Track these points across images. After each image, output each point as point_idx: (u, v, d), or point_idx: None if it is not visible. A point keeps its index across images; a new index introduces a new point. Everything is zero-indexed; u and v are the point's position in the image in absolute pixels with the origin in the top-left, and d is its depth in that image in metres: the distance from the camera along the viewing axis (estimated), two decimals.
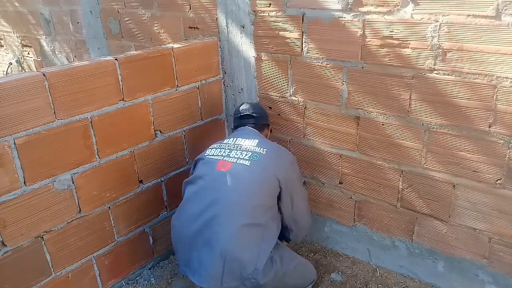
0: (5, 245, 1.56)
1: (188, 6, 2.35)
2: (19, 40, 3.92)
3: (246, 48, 2.16)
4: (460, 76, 1.57)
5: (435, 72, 1.62)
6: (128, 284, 2.05)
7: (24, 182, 1.56)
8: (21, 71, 4.09)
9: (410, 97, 1.71)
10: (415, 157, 1.79)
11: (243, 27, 2.12)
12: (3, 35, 4.13)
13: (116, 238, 1.95)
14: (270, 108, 2.19)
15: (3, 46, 4.24)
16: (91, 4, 2.93)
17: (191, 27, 2.38)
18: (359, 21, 1.73)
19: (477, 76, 1.53)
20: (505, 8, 1.40)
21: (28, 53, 3.91)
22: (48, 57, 3.65)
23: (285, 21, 1.96)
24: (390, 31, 1.66)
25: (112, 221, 1.91)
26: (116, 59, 1.78)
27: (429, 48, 1.60)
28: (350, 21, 1.75)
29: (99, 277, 1.91)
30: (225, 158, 1.72)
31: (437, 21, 1.54)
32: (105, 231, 1.89)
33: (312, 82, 1.98)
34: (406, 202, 1.89)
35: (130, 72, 1.83)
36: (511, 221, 1.63)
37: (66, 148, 1.66)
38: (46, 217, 1.65)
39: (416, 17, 1.59)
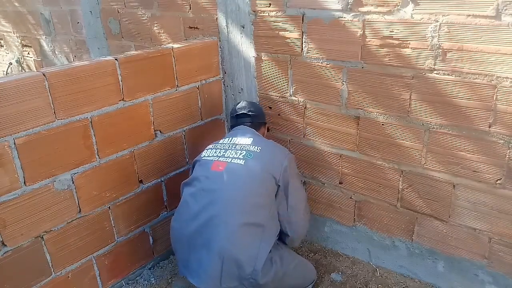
0: (5, 245, 1.56)
1: (188, 6, 2.35)
2: (19, 40, 3.92)
3: (246, 48, 2.16)
4: (460, 76, 1.57)
5: (435, 72, 1.62)
6: (128, 284, 2.05)
7: (24, 182, 1.56)
8: (21, 71, 4.09)
9: (410, 97, 1.71)
10: (415, 157, 1.79)
11: (243, 27, 2.12)
12: (3, 35, 4.13)
13: (116, 238, 1.95)
14: (270, 108, 2.19)
15: (3, 46, 4.24)
16: (91, 4, 2.94)
17: (191, 27, 2.38)
18: (359, 21, 1.73)
19: (477, 76, 1.53)
20: (505, 8, 1.40)
21: (28, 53, 3.91)
22: (48, 57, 3.65)
23: (285, 21, 1.96)
24: (390, 31, 1.66)
25: (112, 221, 1.91)
26: (116, 59, 1.78)
27: (429, 48, 1.60)
28: (350, 21, 1.75)
29: (99, 277, 1.91)
30: (220, 159, 1.72)
31: (437, 21, 1.54)
32: (105, 231, 1.89)
33: (312, 82, 1.98)
34: (406, 202, 1.89)
35: (130, 72, 1.83)
36: (511, 221, 1.64)
37: (66, 148, 1.66)
38: (46, 217, 1.65)
39: (416, 17, 1.59)
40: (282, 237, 1.77)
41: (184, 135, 2.17)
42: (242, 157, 1.70)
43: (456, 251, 1.82)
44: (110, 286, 1.98)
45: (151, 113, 1.97)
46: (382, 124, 1.83)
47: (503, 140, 1.55)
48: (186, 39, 2.41)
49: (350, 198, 2.07)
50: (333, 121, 1.99)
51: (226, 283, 1.56)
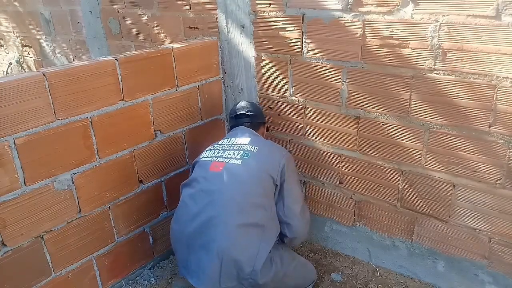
0: (5, 245, 1.56)
1: (188, 6, 2.35)
2: (19, 40, 3.92)
3: (246, 48, 2.16)
4: (460, 76, 1.57)
5: (435, 72, 1.62)
6: (128, 284, 2.05)
7: (24, 182, 1.56)
8: (21, 71, 4.09)
9: (410, 97, 1.71)
10: (415, 157, 1.79)
11: (243, 27, 2.12)
12: (3, 35, 4.13)
13: (116, 238, 1.95)
14: (270, 108, 2.19)
15: (3, 46, 4.24)
16: (91, 4, 2.94)
17: (191, 27, 2.38)
18: (359, 21, 1.73)
19: (477, 76, 1.53)
20: (505, 8, 1.40)
21: (28, 53, 3.91)
22: (48, 57, 3.65)
23: (285, 21, 1.96)
24: (390, 31, 1.66)
25: (112, 221, 1.91)
26: (116, 59, 1.78)
27: (429, 48, 1.60)
28: (350, 21, 1.75)
29: (99, 277, 1.91)
30: (218, 159, 1.72)
31: (437, 21, 1.54)
32: (105, 231, 1.89)
33: (312, 82, 1.98)
34: (406, 202, 1.89)
35: (130, 72, 1.83)
36: (511, 221, 1.64)
37: (66, 148, 1.66)
38: (46, 217, 1.65)
39: (416, 17, 1.59)
40: (281, 237, 1.76)
41: (184, 135, 2.17)
42: (239, 157, 1.70)
43: (456, 251, 1.82)
44: (110, 286, 1.98)
45: (151, 113, 1.97)
46: (382, 124, 1.83)
47: (503, 140, 1.55)
48: (186, 39, 2.41)
49: (350, 198, 2.07)
50: (333, 121, 1.99)
51: (225, 283, 1.56)
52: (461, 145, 1.65)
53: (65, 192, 1.70)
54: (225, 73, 2.30)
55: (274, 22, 1.99)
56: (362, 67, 1.79)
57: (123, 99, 1.84)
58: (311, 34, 1.89)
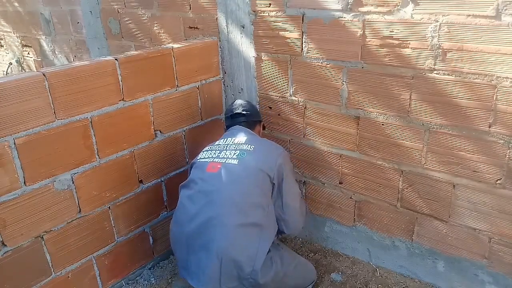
0: (5, 245, 1.56)
1: (188, 6, 2.35)
2: (19, 40, 3.92)
3: (246, 48, 2.16)
4: (460, 76, 1.57)
5: (435, 72, 1.62)
6: (128, 284, 2.05)
7: (24, 182, 1.56)
8: (21, 71, 4.09)
9: (410, 97, 1.71)
10: (415, 157, 1.79)
11: (243, 27, 2.12)
12: (3, 35, 4.13)
13: (116, 238, 1.95)
14: (270, 108, 2.19)
15: (3, 46, 4.24)
16: (91, 4, 2.94)
17: (191, 27, 2.38)
18: (359, 21, 1.73)
19: (477, 76, 1.53)
20: (505, 8, 1.40)
21: (28, 53, 3.91)
22: (48, 57, 3.65)
23: (285, 21, 1.96)
24: (390, 31, 1.66)
25: (112, 221, 1.91)
26: (116, 59, 1.78)
27: (429, 48, 1.60)
28: (350, 21, 1.75)
29: (99, 277, 1.91)
30: (215, 160, 1.72)
31: (437, 21, 1.54)
32: (105, 231, 1.89)
33: (312, 82, 1.98)
34: (406, 202, 1.89)
35: (130, 72, 1.83)
36: (511, 221, 1.64)
37: (66, 148, 1.66)
38: (46, 217, 1.65)
39: (416, 17, 1.59)
40: (277, 233, 1.77)
41: (184, 135, 2.17)
42: (236, 156, 1.70)
43: (456, 251, 1.82)
44: (110, 286, 1.98)
45: (151, 113, 1.97)
46: (382, 124, 1.83)
47: (503, 140, 1.55)
48: (186, 39, 2.41)
49: (350, 198, 2.07)
50: (333, 121, 1.99)
51: (225, 283, 1.56)
52: (461, 145, 1.65)
53: (65, 192, 1.70)
54: (225, 73, 2.30)
55: (274, 22, 1.99)
56: (362, 67, 1.79)
57: (123, 99, 1.84)
58: (311, 34, 1.90)
